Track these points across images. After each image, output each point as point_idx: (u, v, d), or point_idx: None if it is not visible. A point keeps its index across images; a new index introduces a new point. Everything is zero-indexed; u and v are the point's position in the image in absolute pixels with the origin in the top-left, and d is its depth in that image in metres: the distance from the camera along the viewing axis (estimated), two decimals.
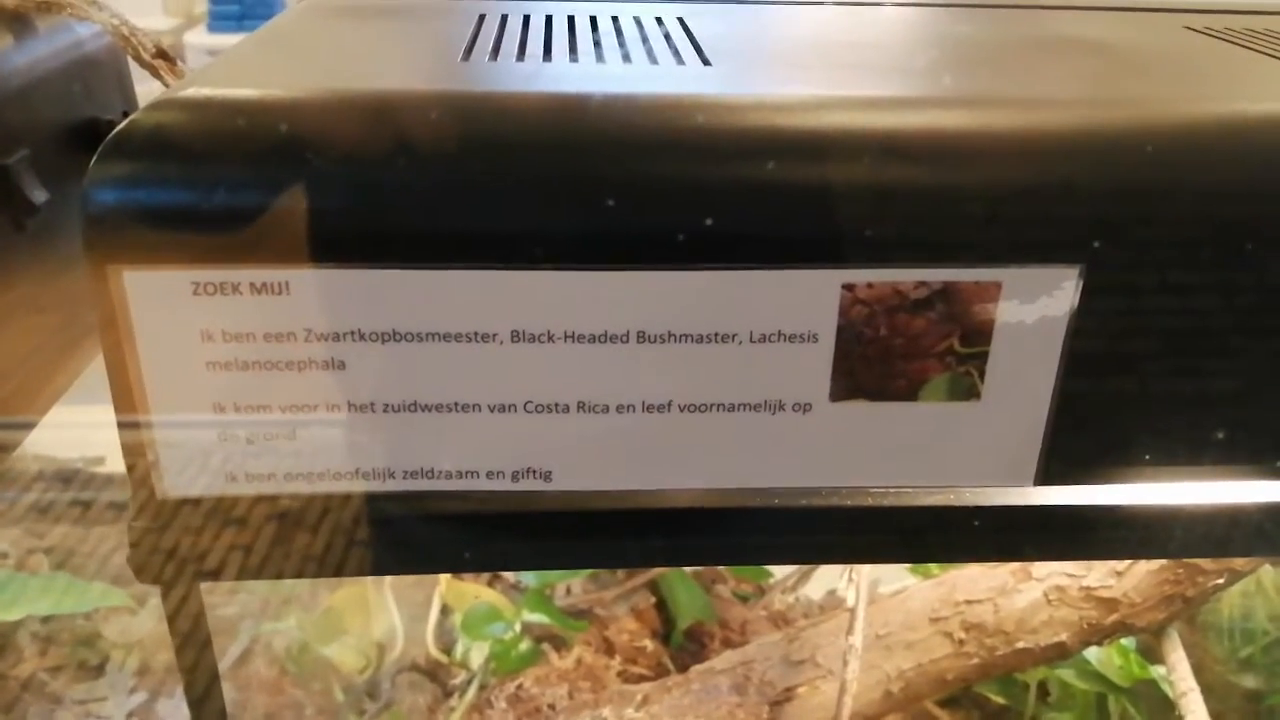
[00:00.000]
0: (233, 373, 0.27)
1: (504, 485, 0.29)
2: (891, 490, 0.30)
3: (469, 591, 0.75)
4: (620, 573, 0.85)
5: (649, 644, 0.82)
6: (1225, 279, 0.28)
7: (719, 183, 0.26)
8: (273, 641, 0.74)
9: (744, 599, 0.89)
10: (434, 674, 0.73)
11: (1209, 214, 0.27)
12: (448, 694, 0.72)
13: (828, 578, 0.87)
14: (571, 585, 0.84)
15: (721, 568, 0.92)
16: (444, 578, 0.76)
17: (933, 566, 0.69)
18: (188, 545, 0.29)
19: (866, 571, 0.59)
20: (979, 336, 0.28)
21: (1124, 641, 0.67)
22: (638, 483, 0.30)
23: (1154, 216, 0.27)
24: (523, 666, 0.71)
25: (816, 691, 0.62)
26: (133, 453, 0.28)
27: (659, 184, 0.26)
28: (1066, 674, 0.68)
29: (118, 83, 0.44)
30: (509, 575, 0.86)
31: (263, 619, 0.76)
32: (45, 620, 0.79)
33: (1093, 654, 0.66)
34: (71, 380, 0.43)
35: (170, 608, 0.29)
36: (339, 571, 0.29)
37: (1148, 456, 0.30)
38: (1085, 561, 0.28)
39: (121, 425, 0.28)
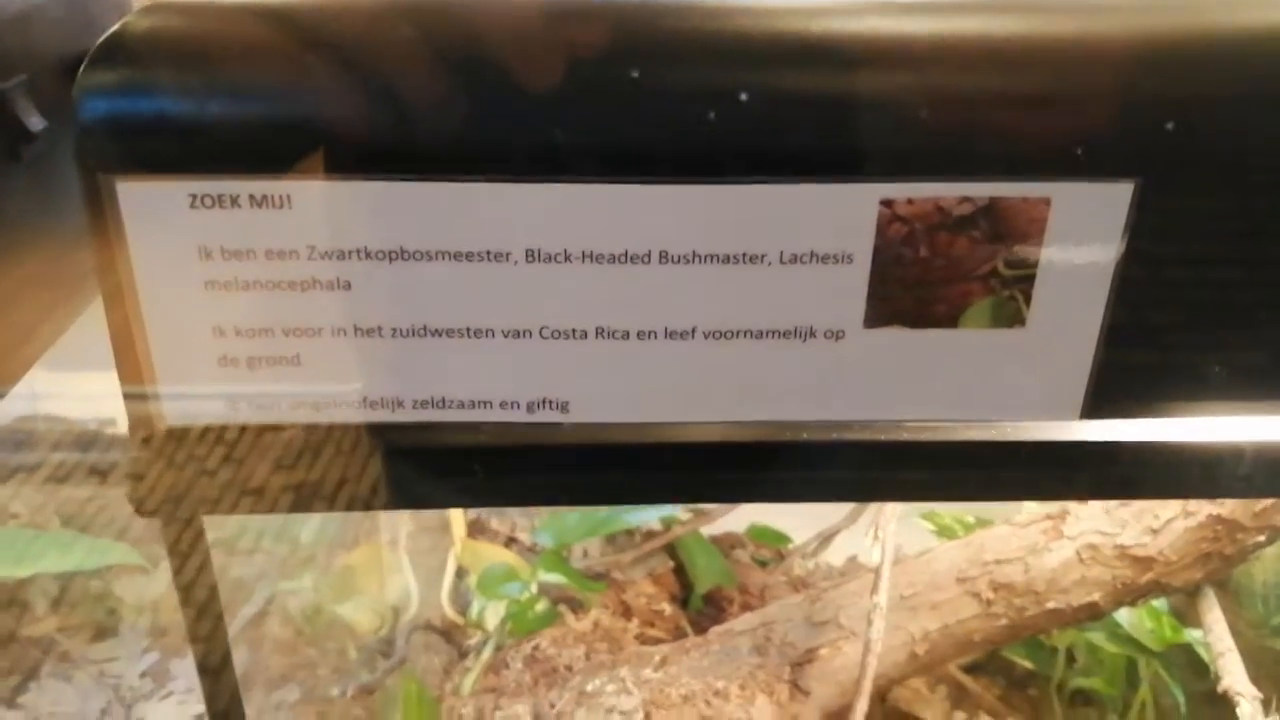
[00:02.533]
0: (233, 293, 0.26)
1: (518, 416, 0.28)
2: (928, 424, 0.28)
3: (485, 552, 0.74)
4: (638, 535, 0.84)
5: (667, 607, 0.81)
6: None
7: (748, 89, 0.25)
8: (287, 602, 0.73)
9: (763, 564, 0.88)
10: (449, 635, 0.72)
11: (1275, 127, 0.26)
12: (463, 655, 0.71)
13: (848, 543, 0.86)
14: (588, 548, 0.83)
15: (740, 532, 0.91)
16: (459, 539, 0.75)
17: (959, 527, 0.68)
18: (189, 477, 0.27)
19: (892, 529, 0.57)
20: (1025, 258, 0.26)
21: (1156, 604, 0.65)
22: (659, 415, 0.28)
23: (1215, 129, 0.25)
24: (539, 627, 0.70)
25: (839, 652, 0.61)
26: (130, 379, 0.27)
27: (683, 91, 0.25)
28: (1096, 637, 0.66)
29: (118, 13, 0.42)
30: (525, 538, 0.85)
31: (277, 579, 0.75)
32: (59, 581, 0.79)
33: (1124, 617, 0.64)
34: (58, 336, 0.41)
35: (171, 542, 0.28)
36: (346, 506, 0.28)
37: (1201, 390, 0.28)
38: (1132, 500, 0.27)
39: (117, 350, 0.26)
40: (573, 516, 0.78)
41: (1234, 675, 0.49)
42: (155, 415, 0.27)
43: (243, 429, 0.27)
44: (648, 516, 0.81)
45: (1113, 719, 0.72)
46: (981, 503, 0.25)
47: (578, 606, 0.75)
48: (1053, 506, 0.56)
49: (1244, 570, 0.76)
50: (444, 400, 0.28)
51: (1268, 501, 0.48)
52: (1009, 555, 0.55)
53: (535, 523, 0.83)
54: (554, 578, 0.70)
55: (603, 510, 0.77)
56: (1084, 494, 0.29)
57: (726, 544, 0.91)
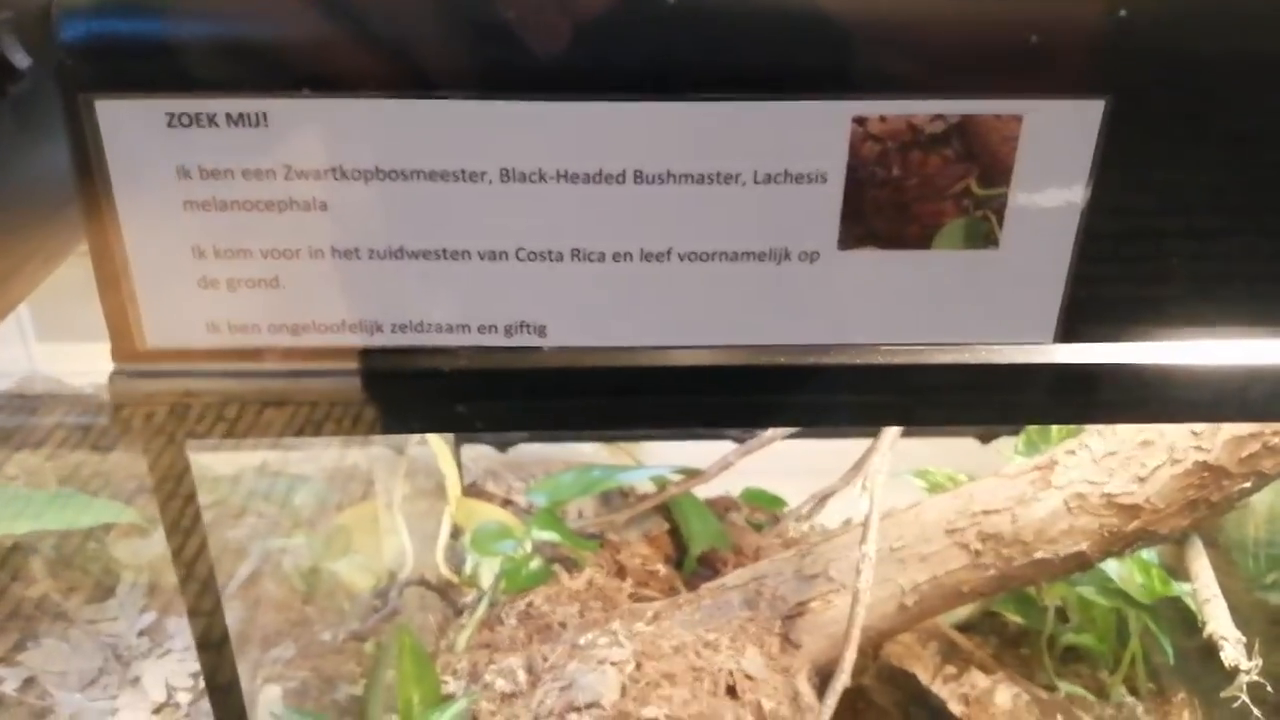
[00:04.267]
0: (211, 213, 0.26)
1: (497, 340, 0.28)
2: (903, 347, 0.28)
3: (479, 511, 0.75)
4: (632, 497, 0.84)
5: (662, 568, 0.82)
6: (1268, 118, 0.26)
7: (721, 5, 0.25)
8: (282, 562, 0.74)
9: (758, 527, 0.88)
10: (444, 593, 0.72)
11: (1250, 45, 0.26)
12: (458, 613, 0.72)
13: (843, 506, 0.86)
14: (583, 509, 0.83)
15: (734, 496, 0.91)
16: (454, 498, 0.75)
17: (950, 485, 0.68)
18: (171, 400, 0.28)
19: (880, 480, 0.58)
20: (997, 176, 0.26)
21: (1147, 557, 0.65)
22: (637, 339, 0.28)
23: (1189, 46, 0.25)
24: (533, 585, 0.70)
25: (829, 605, 0.61)
26: (111, 301, 0.27)
27: (657, 6, 0.25)
28: (1087, 591, 0.66)
29: None
30: (521, 500, 0.85)
31: (272, 540, 0.75)
32: (57, 543, 0.80)
33: (1114, 570, 0.65)
34: (46, 275, 0.41)
35: (153, 465, 0.28)
36: (326, 431, 0.28)
37: (1175, 312, 0.28)
38: (1106, 424, 0.27)
39: (99, 271, 0.27)
40: (567, 477, 0.78)
41: (1219, 620, 0.50)
42: (137, 336, 0.27)
43: (224, 352, 0.28)
44: (640, 476, 0.81)
45: (1104, 674, 0.73)
46: (957, 426, 0.25)
47: (572, 566, 0.76)
48: (1041, 457, 0.57)
49: (1236, 526, 0.76)
50: (422, 324, 0.28)
51: (1254, 447, 0.48)
52: (997, 506, 0.56)
53: (529, 484, 0.84)
54: (548, 535, 0.71)
55: (596, 470, 0.78)
56: (1058, 418, 0.29)
57: (721, 507, 0.91)
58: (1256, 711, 0.48)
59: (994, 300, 0.28)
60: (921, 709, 0.69)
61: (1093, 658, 0.73)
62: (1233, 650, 0.48)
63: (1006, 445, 0.84)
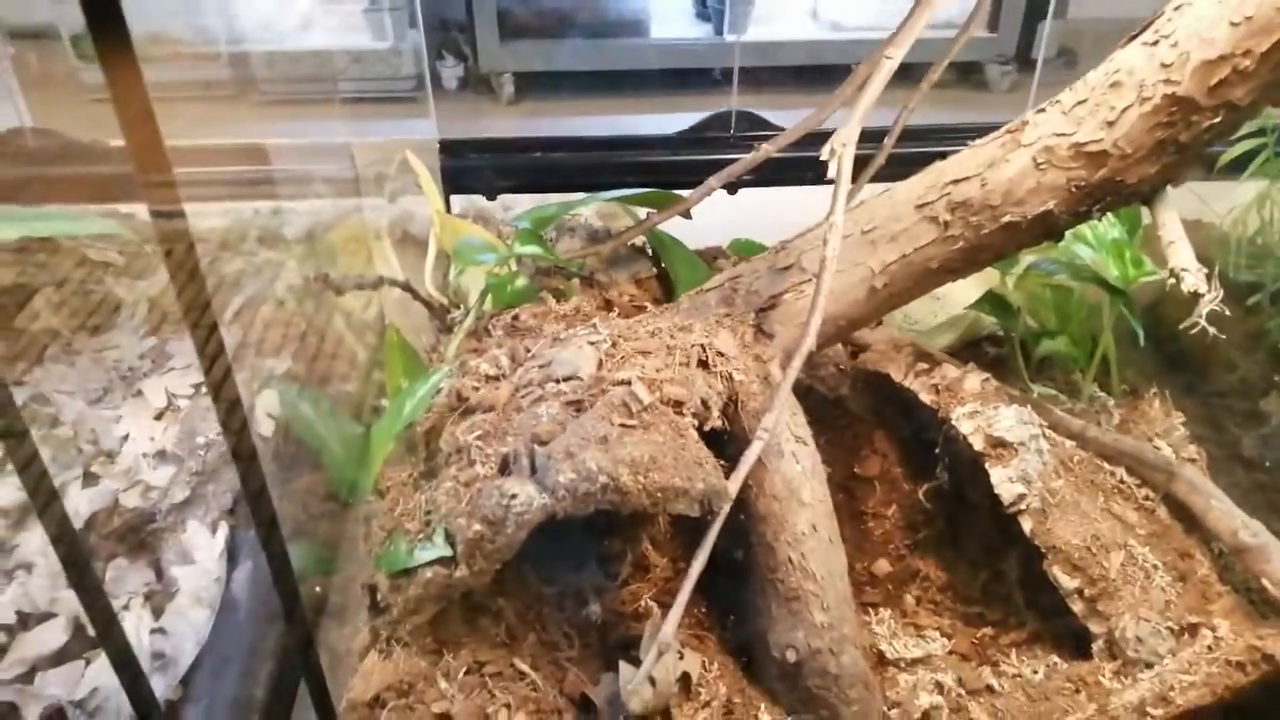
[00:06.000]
0: None
1: None
2: None
3: (463, 228, 0.75)
4: (616, 234, 0.85)
5: (650, 305, 0.83)
6: None
7: None
8: (276, 286, 0.75)
9: None
10: (433, 310, 0.74)
11: None
12: (447, 329, 0.73)
13: None
14: (570, 245, 0.84)
15: (724, 246, 0.92)
16: (438, 216, 0.76)
17: None
18: None
19: (850, 149, 0.57)
20: None
21: (1120, 239, 0.66)
22: None
23: None
24: (518, 301, 0.71)
25: (801, 296, 0.62)
26: None
27: None
28: (1061, 277, 0.67)
29: None
30: (506, 228, 0.86)
31: (264, 270, 0.77)
32: (59, 285, 0.82)
33: (1090, 258, 0.65)
34: None
35: None
36: None
37: None
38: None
39: None
40: (551, 209, 0.79)
41: (1181, 256, 0.50)
42: None
43: None
44: (620, 194, 0.81)
45: (1078, 376, 0.74)
46: None
47: (560, 295, 0.77)
48: (1013, 121, 0.56)
49: (1218, 239, 0.77)
50: None
51: (1224, 73, 0.47)
52: (966, 174, 0.55)
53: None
54: (530, 249, 0.71)
55: (578, 195, 0.78)
56: None
57: (709, 256, 0.92)
58: (1215, 331, 0.48)
59: None
60: (894, 408, 0.70)
61: (1067, 364, 0.74)
62: (1193, 278, 0.48)
63: None
